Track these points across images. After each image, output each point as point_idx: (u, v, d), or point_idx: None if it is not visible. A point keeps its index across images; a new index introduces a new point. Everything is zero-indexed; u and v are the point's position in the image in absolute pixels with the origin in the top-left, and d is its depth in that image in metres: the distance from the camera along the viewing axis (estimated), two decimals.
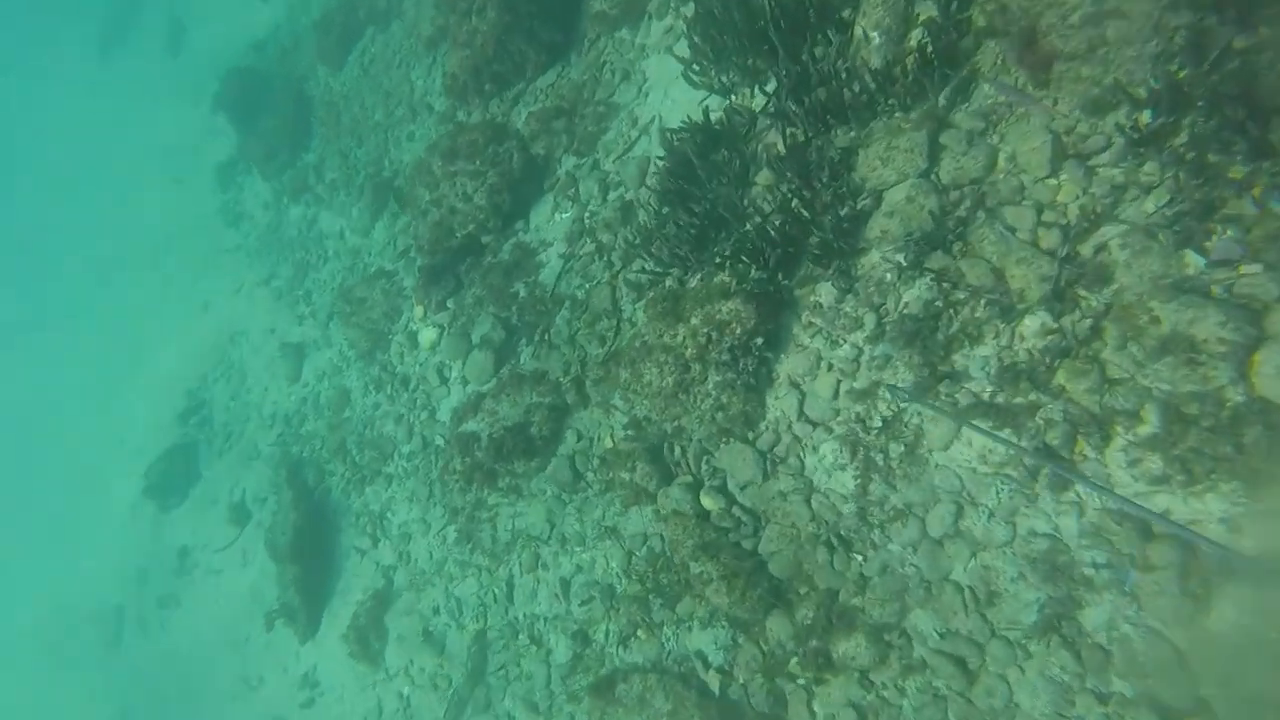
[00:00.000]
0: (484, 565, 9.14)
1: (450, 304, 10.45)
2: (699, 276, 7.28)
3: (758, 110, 7.04)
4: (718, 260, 6.80)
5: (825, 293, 6.32)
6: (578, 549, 8.21)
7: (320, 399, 12.79)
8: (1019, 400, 5.17)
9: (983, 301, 5.37)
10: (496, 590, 8.97)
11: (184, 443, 15.59)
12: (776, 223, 6.44)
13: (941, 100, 5.82)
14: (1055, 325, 5.04)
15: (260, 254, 16.19)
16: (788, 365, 6.51)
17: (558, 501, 8.47)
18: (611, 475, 7.85)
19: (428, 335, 10.72)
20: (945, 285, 5.55)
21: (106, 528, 17.02)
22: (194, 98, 20.59)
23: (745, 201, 6.92)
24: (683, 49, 8.04)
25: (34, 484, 21.05)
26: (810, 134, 6.50)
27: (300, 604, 11.06)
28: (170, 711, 13.34)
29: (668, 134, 7.86)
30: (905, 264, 5.76)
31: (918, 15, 6.00)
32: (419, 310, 10.93)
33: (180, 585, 14.28)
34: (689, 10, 8.01)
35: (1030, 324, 5.17)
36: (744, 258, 6.48)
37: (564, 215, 9.53)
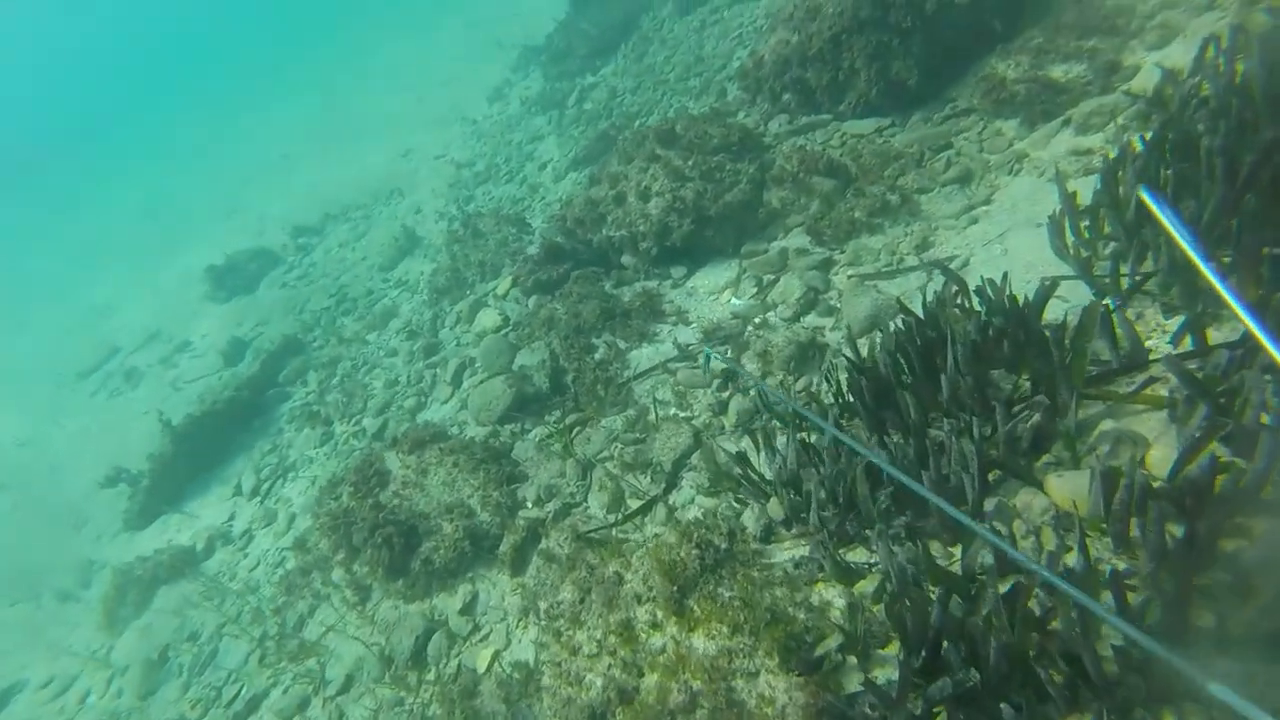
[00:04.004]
0: (267, 647, 6.08)
1: (532, 302, 7.53)
2: (798, 553, 3.56)
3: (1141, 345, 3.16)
4: (839, 563, 3.05)
5: None
6: None
7: (377, 305, 10.58)
8: None
9: None
10: (244, 692, 5.87)
11: (275, 252, 14.44)
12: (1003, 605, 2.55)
13: None
14: None
15: (482, 139, 14.71)
16: None
17: (379, 668, 5.13)
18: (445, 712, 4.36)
19: (487, 318, 7.91)
20: None
21: (178, 275, 16.58)
22: None
23: (988, 502, 3.08)
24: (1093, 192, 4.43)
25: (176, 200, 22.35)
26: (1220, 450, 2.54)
27: (148, 487, 8.76)
28: (40, 494, 11.85)
29: (955, 295, 4.19)
30: None
31: None
32: (505, 284, 8.16)
33: (151, 373, 12.96)
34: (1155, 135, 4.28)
35: None
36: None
37: (737, 301, 6.17)
